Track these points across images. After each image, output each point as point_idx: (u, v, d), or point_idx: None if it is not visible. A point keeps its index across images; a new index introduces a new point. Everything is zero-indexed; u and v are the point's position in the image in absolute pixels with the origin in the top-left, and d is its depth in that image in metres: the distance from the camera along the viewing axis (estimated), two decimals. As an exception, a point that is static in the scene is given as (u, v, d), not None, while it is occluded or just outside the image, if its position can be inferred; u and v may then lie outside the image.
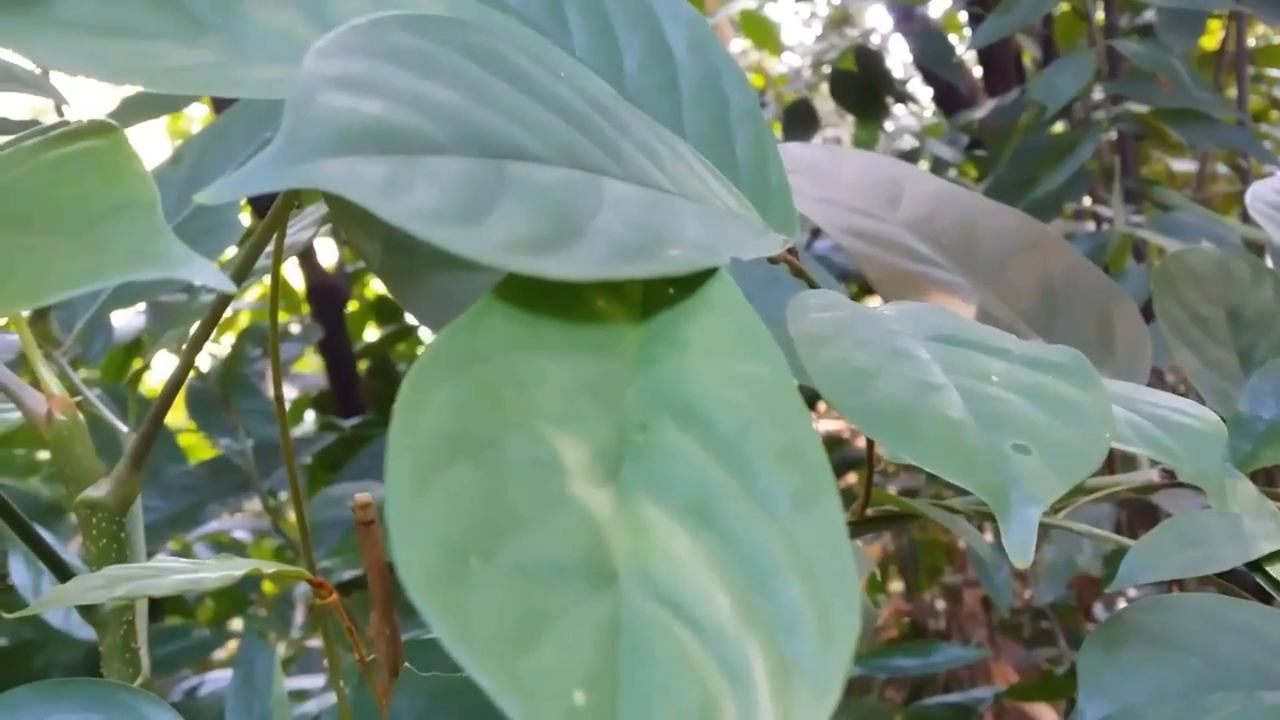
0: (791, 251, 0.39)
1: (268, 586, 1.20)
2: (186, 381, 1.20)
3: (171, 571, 0.42)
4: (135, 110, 0.97)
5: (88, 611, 0.47)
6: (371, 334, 1.72)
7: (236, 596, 1.19)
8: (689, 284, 0.29)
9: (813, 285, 0.40)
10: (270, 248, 0.51)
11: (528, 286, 0.27)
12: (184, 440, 1.40)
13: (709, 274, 0.29)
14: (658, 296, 0.29)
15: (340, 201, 0.50)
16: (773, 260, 0.38)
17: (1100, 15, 1.17)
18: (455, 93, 0.29)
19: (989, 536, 0.60)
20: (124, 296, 0.71)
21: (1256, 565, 0.49)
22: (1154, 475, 0.56)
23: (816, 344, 0.34)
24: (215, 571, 0.43)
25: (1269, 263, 0.62)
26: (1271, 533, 0.50)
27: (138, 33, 0.31)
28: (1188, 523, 0.51)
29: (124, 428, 0.56)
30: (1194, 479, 0.37)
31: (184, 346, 0.52)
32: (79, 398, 0.51)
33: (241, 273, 0.52)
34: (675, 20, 0.40)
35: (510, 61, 0.31)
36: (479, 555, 0.22)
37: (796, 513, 0.24)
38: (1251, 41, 1.65)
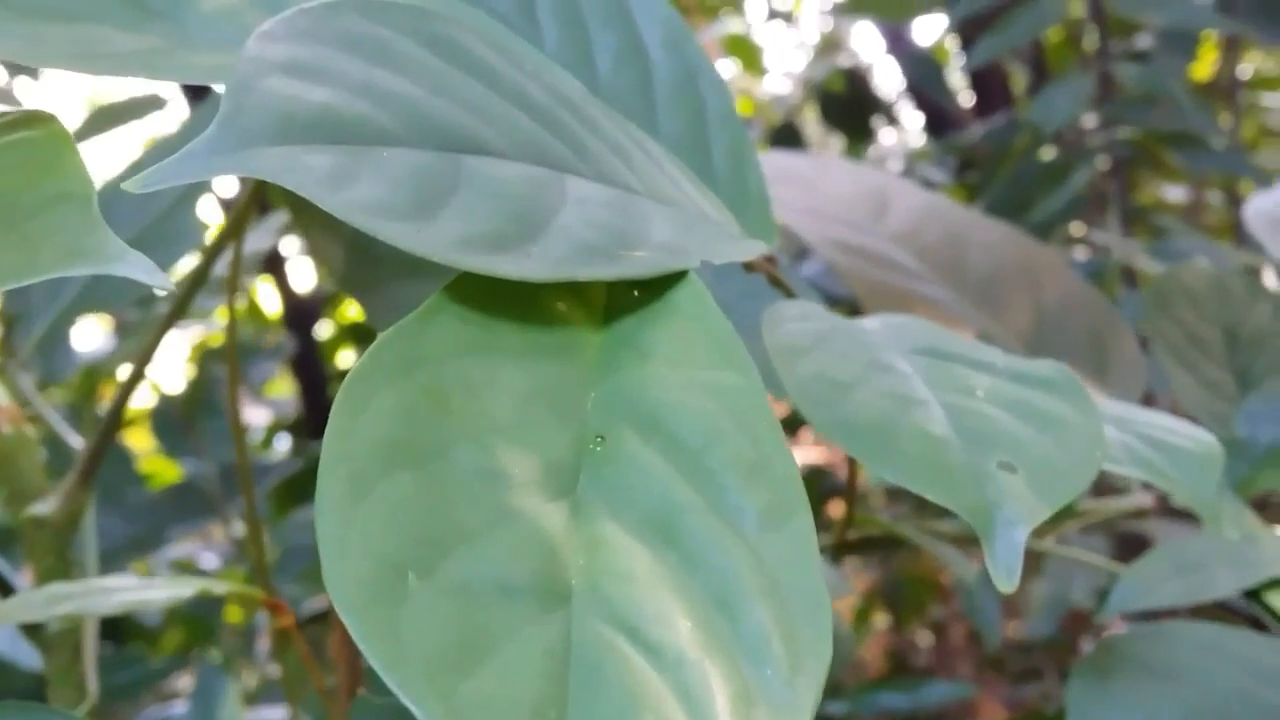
0: (770, 260, 0.37)
1: (233, 615, 1.17)
2: (154, 403, 1.17)
3: (117, 590, 0.40)
4: (104, 120, 0.96)
5: (33, 633, 0.45)
6: (347, 357, 1.70)
7: (202, 625, 1.17)
8: (656, 288, 0.27)
9: (791, 296, 0.38)
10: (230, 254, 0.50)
11: (483, 287, 0.25)
12: (149, 466, 1.38)
13: (677, 278, 0.27)
14: (622, 301, 0.27)
15: (302, 205, 0.49)
16: (750, 269, 0.36)
17: (1092, 40, 1.16)
18: (411, 83, 0.27)
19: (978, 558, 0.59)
20: (84, 305, 0.69)
21: (1254, 593, 0.48)
22: (1147, 500, 0.55)
23: (793, 355, 0.32)
24: (163, 590, 0.41)
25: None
26: (1270, 559, 0.48)
27: (81, 17, 0.29)
28: (1183, 549, 0.50)
29: (77, 443, 0.54)
30: (1188, 502, 0.36)
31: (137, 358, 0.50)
32: (29, 411, 0.49)
33: (197, 279, 0.50)
34: (650, 18, 0.38)
35: (472, 53, 0.29)
36: (417, 572, 0.20)
37: (765, 531, 0.22)
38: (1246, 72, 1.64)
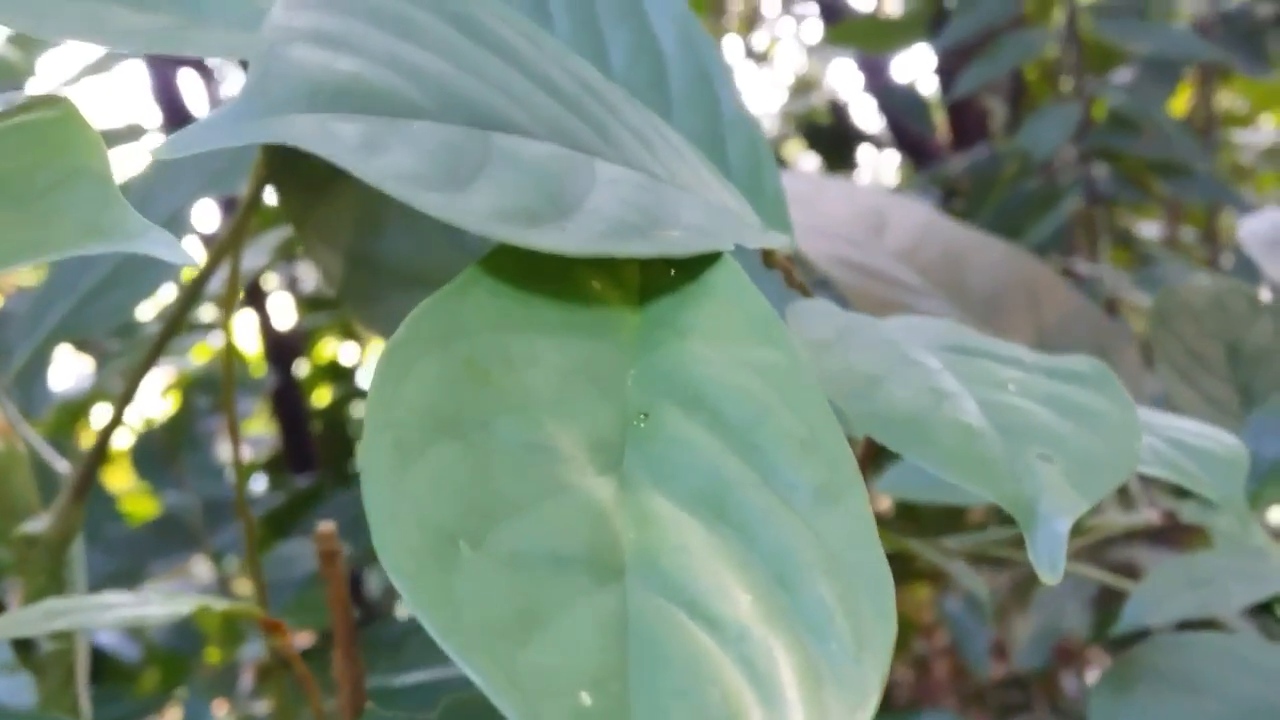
0: (789, 260, 0.36)
1: (213, 656, 1.15)
2: (134, 439, 1.15)
3: (115, 606, 0.39)
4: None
5: (25, 654, 0.43)
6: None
7: (180, 665, 1.14)
8: (691, 269, 0.26)
9: (808, 296, 0.37)
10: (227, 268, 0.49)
11: (516, 262, 0.24)
12: (129, 506, 1.36)
13: (712, 260, 0.27)
14: (656, 282, 0.26)
15: (301, 214, 0.48)
16: (769, 265, 0.35)
17: (1069, 78, 1.17)
18: (438, 59, 0.26)
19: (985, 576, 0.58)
20: (67, 330, 0.68)
21: (1265, 606, 0.47)
22: (1153, 516, 0.54)
23: (819, 350, 0.32)
24: (161, 607, 0.40)
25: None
26: (1280, 573, 0.48)
27: (90, -5, 0.28)
28: (1193, 563, 0.49)
29: (63, 467, 0.53)
30: (1218, 502, 0.35)
31: (129, 376, 0.49)
32: (13, 432, 0.47)
33: (191, 295, 0.49)
34: (664, 15, 0.38)
35: (496, 33, 0.29)
36: (468, 540, 0.19)
37: (820, 507, 0.22)
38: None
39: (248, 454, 1.55)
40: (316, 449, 1.37)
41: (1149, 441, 0.37)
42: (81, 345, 1.01)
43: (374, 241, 0.47)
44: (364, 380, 1.64)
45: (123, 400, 0.49)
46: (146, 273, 0.69)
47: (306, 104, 0.23)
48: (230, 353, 0.51)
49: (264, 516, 1.11)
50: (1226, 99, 1.77)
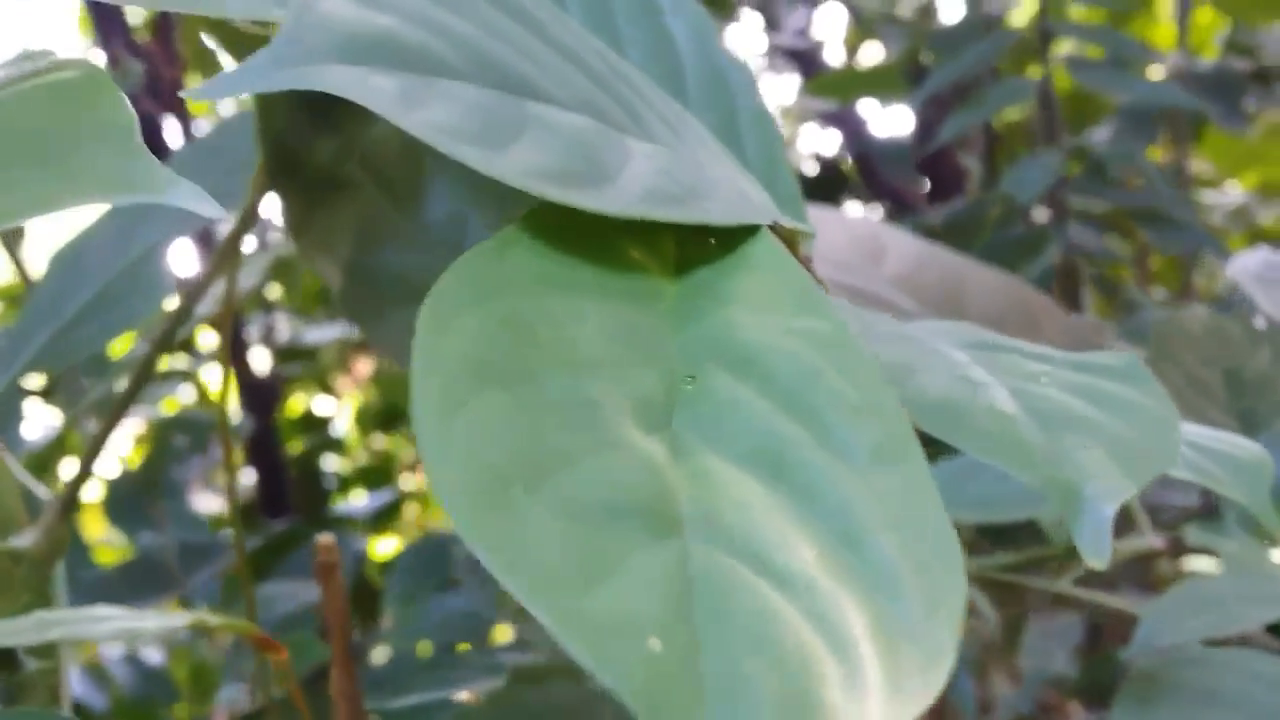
0: (808, 260, 0.36)
1: (181, 713, 1.12)
2: (107, 486, 1.13)
3: (109, 618, 0.37)
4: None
5: (9, 671, 0.41)
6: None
7: (149, 716, 1.12)
8: (729, 241, 0.26)
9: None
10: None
11: (556, 223, 0.24)
12: (101, 557, 1.33)
13: (749, 233, 0.26)
14: (694, 253, 0.26)
15: (301, 222, 0.47)
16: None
17: (1047, 131, 1.18)
18: (472, 25, 0.26)
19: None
20: (48, 358, 0.67)
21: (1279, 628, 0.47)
22: (1157, 542, 0.53)
23: (847, 342, 0.31)
24: (156, 621, 0.39)
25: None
26: (1292, 595, 0.47)
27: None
28: (1205, 585, 0.48)
29: (43, 493, 0.51)
30: (1246, 504, 0.34)
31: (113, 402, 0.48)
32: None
33: (179, 317, 0.48)
34: (680, 13, 0.37)
35: (524, 7, 0.28)
36: (523, 487, 0.18)
37: (879, 467, 0.21)
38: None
39: (217, 503, 1.53)
40: (292, 495, 1.35)
41: (1171, 446, 0.36)
42: (50, 395, 1.00)
43: (375, 253, 0.46)
44: (339, 430, 1.63)
45: (108, 423, 0.48)
46: (130, 299, 0.68)
47: (341, 55, 0.22)
48: (226, 369, 0.50)
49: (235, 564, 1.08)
50: (1195, 164, 1.78)
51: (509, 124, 0.24)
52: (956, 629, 0.19)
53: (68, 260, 0.71)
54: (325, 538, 0.40)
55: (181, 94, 0.21)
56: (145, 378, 0.48)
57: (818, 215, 0.65)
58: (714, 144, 0.32)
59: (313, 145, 0.47)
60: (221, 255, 0.46)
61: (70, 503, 0.45)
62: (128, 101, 0.24)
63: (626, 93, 0.29)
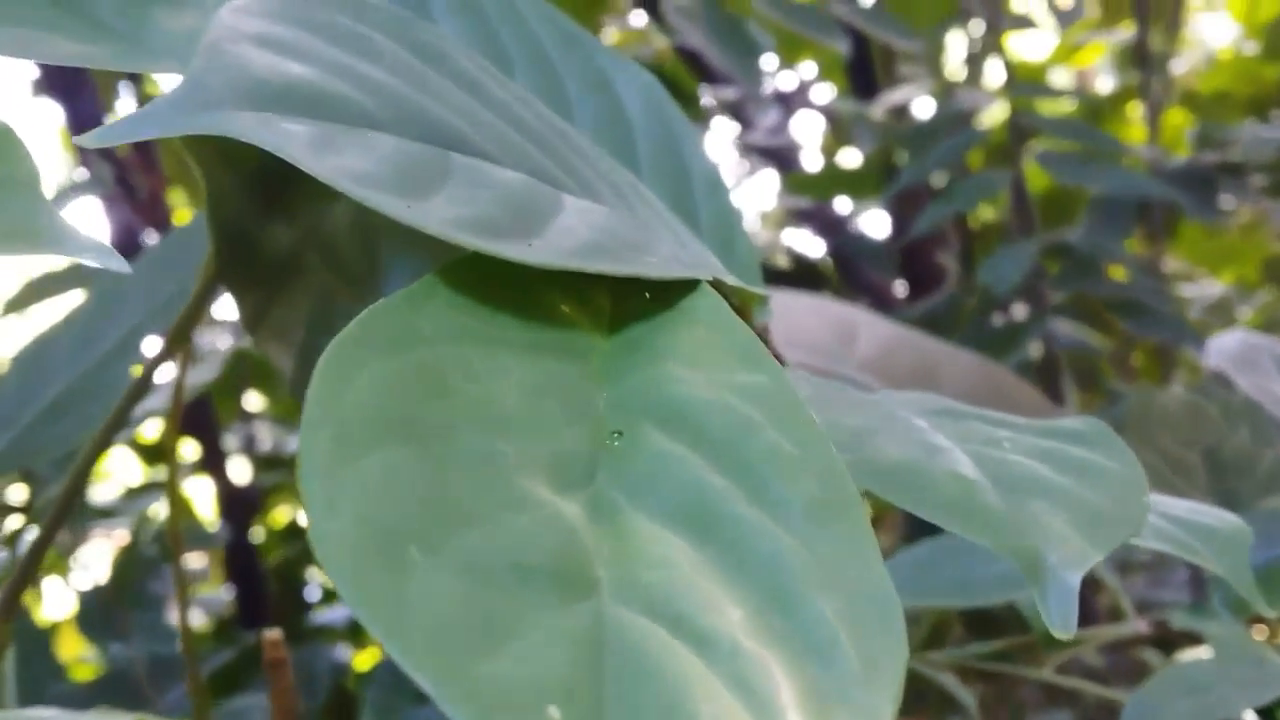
0: (764, 329, 0.35)
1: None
2: (80, 590, 1.11)
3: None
4: (38, 291, 0.93)
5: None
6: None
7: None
8: (667, 296, 0.24)
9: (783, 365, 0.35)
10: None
11: (478, 277, 0.22)
12: (75, 674, 1.30)
13: (690, 287, 0.25)
14: (630, 308, 0.24)
15: (256, 314, 0.46)
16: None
17: (1025, 225, 1.18)
18: (396, 78, 0.25)
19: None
20: (7, 461, 0.65)
21: (1268, 711, 0.45)
22: (1141, 626, 0.52)
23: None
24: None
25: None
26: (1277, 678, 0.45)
27: (27, 23, 0.27)
28: (1191, 669, 0.47)
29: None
30: (1224, 574, 0.33)
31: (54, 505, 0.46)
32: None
33: (131, 399, 0.47)
34: (630, 84, 0.36)
35: (458, 64, 0.27)
36: (420, 546, 0.17)
37: (815, 524, 0.19)
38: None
39: (198, 617, 1.50)
40: (271, 606, 1.32)
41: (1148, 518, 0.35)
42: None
43: (326, 337, 0.45)
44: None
45: (48, 528, 0.46)
46: (97, 399, 0.66)
47: (249, 102, 0.21)
48: (172, 464, 0.48)
49: (215, 672, 1.06)
50: (1170, 263, 1.79)
51: (430, 174, 0.23)
52: (895, 694, 0.17)
53: (28, 361, 0.70)
54: (272, 633, 0.38)
55: (78, 140, 0.20)
56: (83, 480, 0.46)
57: (790, 299, 0.64)
58: (665, 211, 0.32)
59: (265, 231, 0.46)
60: (169, 344, 0.45)
61: (9, 606, 0.43)
62: (32, 155, 0.23)
63: (566, 152, 0.28)
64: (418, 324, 0.21)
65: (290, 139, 0.21)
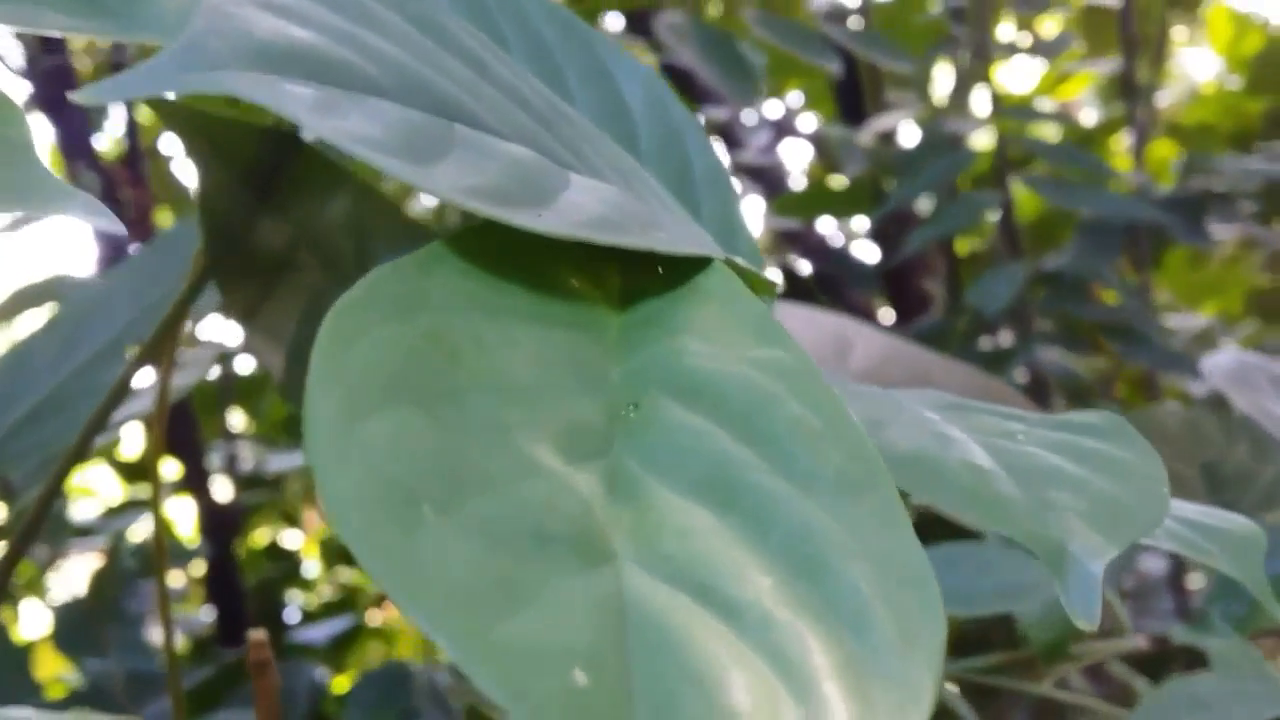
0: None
1: None
2: (58, 604, 1.09)
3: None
4: (24, 301, 0.92)
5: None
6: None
7: None
8: (680, 272, 0.24)
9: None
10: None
11: (487, 247, 0.22)
12: (51, 693, 1.28)
13: (702, 264, 0.24)
14: (641, 284, 0.24)
15: (248, 310, 0.45)
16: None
17: (1011, 249, 1.18)
18: (405, 52, 0.24)
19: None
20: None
21: (1273, 728, 0.44)
22: (1140, 641, 0.51)
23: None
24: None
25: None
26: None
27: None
28: (1192, 684, 0.46)
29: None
30: (1239, 578, 0.32)
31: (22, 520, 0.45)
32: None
33: (112, 401, 0.46)
34: (631, 77, 0.36)
35: (461, 41, 0.26)
36: (433, 506, 0.16)
37: (845, 496, 0.19)
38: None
39: (177, 637, 1.47)
40: (251, 624, 1.30)
41: (1159, 521, 0.34)
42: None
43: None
44: (307, 570, 1.59)
45: (32, 521, 0.45)
46: (83, 402, 0.65)
47: (252, 63, 0.20)
48: (155, 472, 0.47)
49: (194, 688, 1.05)
50: (1156, 294, 1.79)
51: (436, 143, 0.22)
52: (936, 668, 0.16)
53: (9, 367, 0.69)
54: (257, 633, 0.37)
55: (72, 96, 0.19)
56: (60, 482, 0.45)
57: (785, 309, 0.63)
58: (668, 197, 0.31)
59: (257, 228, 0.45)
60: (152, 344, 0.44)
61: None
62: (21, 112, 0.22)
63: (571, 134, 0.27)
64: (426, 289, 0.20)
65: (294, 100, 0.20)
